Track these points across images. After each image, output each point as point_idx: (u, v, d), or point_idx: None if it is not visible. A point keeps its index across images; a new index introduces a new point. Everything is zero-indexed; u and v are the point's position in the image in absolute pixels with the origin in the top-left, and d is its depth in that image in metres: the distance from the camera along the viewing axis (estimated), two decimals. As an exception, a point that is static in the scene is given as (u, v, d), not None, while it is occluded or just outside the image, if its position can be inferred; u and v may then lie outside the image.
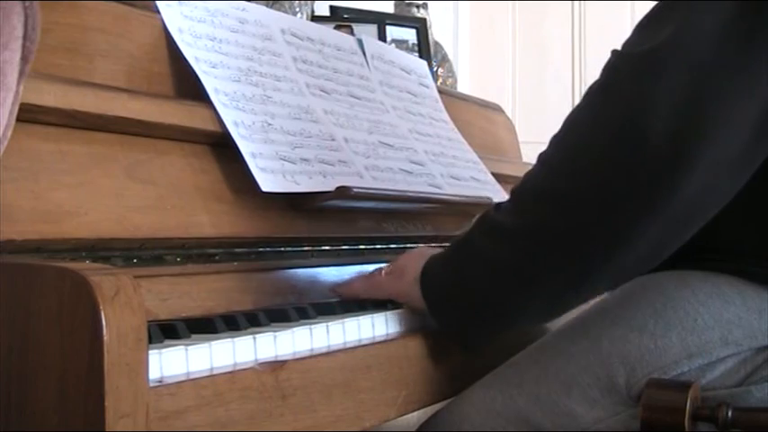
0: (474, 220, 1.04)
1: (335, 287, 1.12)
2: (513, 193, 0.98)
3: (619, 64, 0.90)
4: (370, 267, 1.23)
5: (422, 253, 1.07)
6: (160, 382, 0.72)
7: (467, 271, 0.99)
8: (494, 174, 1.60)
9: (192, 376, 0.75)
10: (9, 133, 0.69)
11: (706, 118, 0.83)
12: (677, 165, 0.84)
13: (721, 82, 0.84)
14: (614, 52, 0.91)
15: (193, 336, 0.85)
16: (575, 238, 0.90)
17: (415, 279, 1.03)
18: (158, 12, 1.09)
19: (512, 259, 0.94)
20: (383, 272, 1.09)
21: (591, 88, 0.92)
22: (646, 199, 0.86)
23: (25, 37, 0.67)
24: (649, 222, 0.87)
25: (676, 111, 0.83)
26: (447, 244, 1.21)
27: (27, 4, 0.67)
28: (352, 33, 1.83)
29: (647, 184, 0.85)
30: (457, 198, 1.42)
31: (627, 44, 0.91)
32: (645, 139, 0.84)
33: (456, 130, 1.62)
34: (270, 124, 1.14)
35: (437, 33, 2.62)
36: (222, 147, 1.07)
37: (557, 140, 0.94)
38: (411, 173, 1.37)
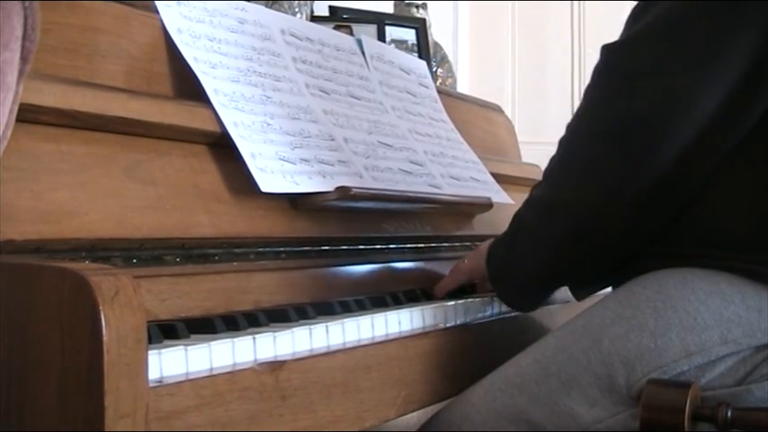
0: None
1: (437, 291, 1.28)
2: (544, 172, 1.13)
3: (600, 57, 1.04)
4: (369, 267, 1.24)
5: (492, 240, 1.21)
6: (160, 382, 0.72)
7: (513, 239, 1.14)
8: (494, 174, 1.60)
9: (191, 376, 0.75)
10: (9, 133, 0.69)
11: (653, 112, 0.96)
12: (628, 155, 0.98)
13: (670, 77, 0.96)
14: (602, 48, 1.04)
15: (193, 336, 0.85)
16: (570, 210, 1.05)
17: (484, 256, 1.19)
18: (158, 12, 1.09)
19: (539, 224, 1.09)
20: (464, 259, 1.28)
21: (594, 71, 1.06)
22: (605, 185, 1.00)
23: (25, 37, 0.67)
24: (608, 207, 1.01)
25: (632, 101, 0.98)
26: (446, 244, 1.24)
27: (27, 4, 0.67)
28: (351, 33, 1.83)
29: (608, 171, 1.00)
30: (457, 198, 1.42)
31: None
32: (602, 128, 1.01)
33: (456, 130, 1.62)
34: (269, 124, 1.14)
35: (437, 33, 2.62)
36: (222, 147, 1.07)
37: (572, 123, 1.09)
38: (411, 173, 1.37)
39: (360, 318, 1.00)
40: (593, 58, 1.03)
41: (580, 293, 1.16)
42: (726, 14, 0.94)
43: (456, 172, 1.49)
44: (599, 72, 1.03)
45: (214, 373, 0.77)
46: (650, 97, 0.97)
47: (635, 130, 0.97)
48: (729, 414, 0.90)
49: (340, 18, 2.17)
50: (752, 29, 0.94)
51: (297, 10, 2.07)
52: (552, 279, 1.15)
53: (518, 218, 1.14)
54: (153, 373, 0.71)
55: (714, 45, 0.95)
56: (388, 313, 1.05)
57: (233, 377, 0.78)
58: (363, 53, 1.47)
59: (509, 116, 2.07)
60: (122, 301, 0.66)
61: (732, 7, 0.94)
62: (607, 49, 1.02)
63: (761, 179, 0.97)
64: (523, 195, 1.16)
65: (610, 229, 1.03)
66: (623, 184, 0.99)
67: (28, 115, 0.83)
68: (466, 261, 1.27)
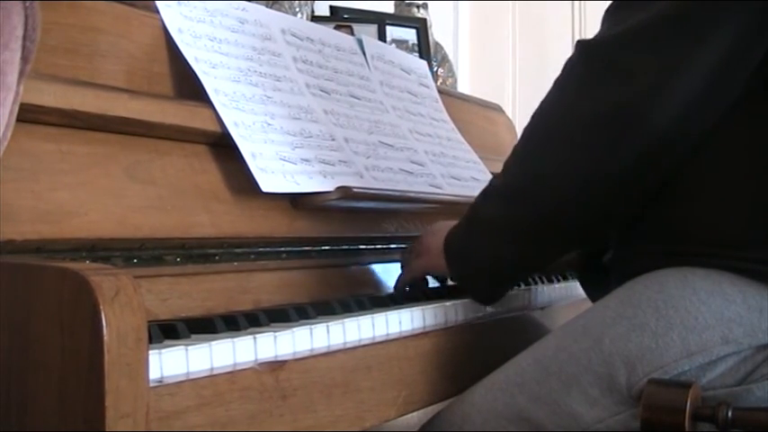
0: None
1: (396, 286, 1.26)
2: (504, 162, 1.12)
3: (574, 50, 1.04)
4: (369, 267, 1.24)
5: (439, 228, 1.19)
6: (160, 382, 0.72)
7: (471, 229, 1.13)
8: (494, 174, 1.59)
9: (191, 376, 0.75)
10: (9, 133, 0.69)
11: (632, 103, 0.97)
12: (606, 144, 0.98)
13: (645, 73, 0.96)
14: (576, 43, 1.05)
15: (193, 336, 0.85)
16: (542, 199, 1.05)
17: (440, 252, 1.16)
18: (158, 12, 1.09)
19: (500, 214, 1.09)
20: (412, 254, 1.24)
21: (558, 75, 1.07)
22: (584, 171, 1.01)
23: (25, 37, 0.67)
24: (587, 191, 1.01)
25: (604, 94, 0.99)
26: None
27: (27, 4, 0.67)
28: (352, 33, 1.83)
29: (586, 159, 1.00)
30: (457, 198, 1.42)
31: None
32: (580, 118, 1.01)
33: (456, 130, 1.62)
34: (270, 124, 1.14)
35: (437, 33, 2.62)
36: (222, 147, 1.07)
37: (532, 116, 1.10)
38: (411, 173, 1.37)
39: (360, 318, 1.00)
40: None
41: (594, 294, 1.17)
42: (706, 12, 0.95)
43: (457, 172, 1.49)
44: (578, 64, 1.03)
45: (214, 372, 0.77)
46: (631, 87, 0.97)
47: (615, 117, 0.98)
48: (730, 414, 0.90)
49: (341, 18, 2.17)
50: (729, 23, 0.95)
51: (297, 10, 2.07)
52: (518, 270, 1.15)
53: (476, 208, 1.13)
54: (153, 373, 0.71)
55: (695, 40, 0.95)
56: (388, 313, 1.05)
57: (233, 377, 0.78)
58: (364, 53, 1.47)
59: (509, 116, 2.07)
60: (123, 301, 0.66)
61: (712, 6, 0.95)
62: (587, 45, 1.03)
63: (762, 179, 0.97)
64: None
65: (582, 217, 1.04)
66: (600, 171, 1.00)
67: (28, 115, 0.83)
68: (418, 260, 1.23)
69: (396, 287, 1.27)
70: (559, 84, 1.06)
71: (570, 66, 1.05)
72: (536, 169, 1.06)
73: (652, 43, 0.97)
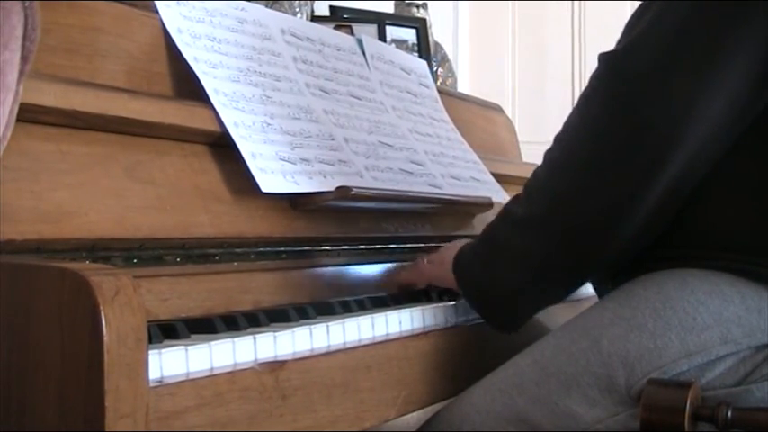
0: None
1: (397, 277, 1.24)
2: (525, 186, 1.08)
3: (599, 65, 1.01)
4: (369, 267, 1.23)
5: (460, 244, 1.17)
6: (160, 382, 0.72)
7: (489, 259, 1.10)
8: (494, 174, 1.60)
9: (191, 376, 0.75)
10: (9, 133, 0.69)
11: (666, 113, 0.94)
12: (640, 164, 0.95)
13: (677, 80, 0.94)
14: (599, 56, 1.01)
15: (193, 336, 0.85)
16: (571, 226, 1.01)
17: (451, 267, 1.13)
18: (158, 12, 1.09)
19: (524, 246, 1.05)
20: (425, 260, 1.22)
21: (583, 91, 1.03)
22: (616, 195, 0.98)
23: (25, 37, 0.67)
24: (619, 216, 0.98)
25: (640, 107, 0.95)
26: (447, 244, 1.22)
27: (27, 4, 0.67)
28: (351, 33, 1.83)
29: (618, 183, 0.97)
30: (457, 198, 1.42)
31: (617, 44, 1.01)
32: (610, 138, 0.97)
33: (456, 130, 1.62)
34: (269, 124, 1.14)
35: (437, 33, 2.62)
36: (222, 147, 1.07)
37: (556, 137, 1.05)
38: (411, 173, 1.37)
39: (360, 318, 1.00)
40: (593, 58, 1.02)
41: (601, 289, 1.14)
42: (730, 14, 0.93)
43: (456, 172, 1.49)
44: (600, 80, 1.00)
45: (214, 372, 0.77)
46: (657, 104, 0.94)
47: (645, 139, 0.95)
48: (729, 414, 0.90)
49: (340, 18, 2.17)
50: (756, 27, 0.93)
51: (297, 10, 2.07)
52: (539, 299, 1.10)
53: (496, 236, 1.09)
54: (153, 373, 0.71)
55: (718, 44, 0.93)
56: (388, 313, 1.05)
57: (233, 377, 0.78)
58: (364, 53, 1.47)
59: (509, 116, 2.07)
60: (122, 301, 0.66)
61: (736, 6, 0.93)
62: (607, 57, 0.99)
63: (760, 180, 0.97)
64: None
65: (609, 246, 1.01)
66: (633, 196, 0.97)
67: (28, 115, 0.83)
68: (430, 267, 1.21)
69: (395, 281, 1.25)
70: (584, 100, 1.02)
71: (594, 79, 1.01)
72: (562, 196, 1.01)
73: (677, 54, 0.94)
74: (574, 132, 1.02)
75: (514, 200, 1.09)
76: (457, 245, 1.17)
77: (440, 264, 1.18)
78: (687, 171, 0.97)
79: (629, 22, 1.01)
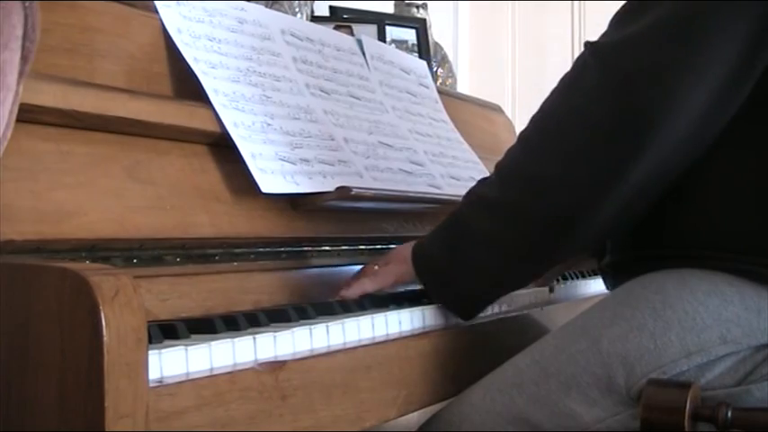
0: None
1: (342, 292, 1.13)
2: (496, 168, 1.07)
3: (586, 54, 1.00)
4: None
5: (407, 246, 1.13)
6: (160, 382, 0.72)
7: (456, 243, 1.06)
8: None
9: (191, 376, 0.75)
10: (9, 133, 0.69)
11: (652, 108, 0.93)
12: (626, 150, 0.95)
13: (664, 77, 0.93)
14: (586, 44, 1.00)
15: (193, 336, 0.85)
16: (550, 211, 1.00)
17: (405, 258, 1.11)
18: (158, 12, 1.09)
19: (495, 229, 1.04)
20: (375, 266, 1.14)
21: (565, 75, 1.02)
22: (603, 179, 0.96)
23: (25, 37, 0.67)
24: (603, 201, 0.97)
25: (625, 100, 0.94)
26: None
27: (27, 4, 0.67)
28: (351, 33, 1.83)
29: (603, 168, 0.96)
30: (457, 198, 1.41)
31: (600, 36, 1.01)
32: (599, 125, 0.96)
33: (456, 130, 1.62)
34: (269, 124, 1.14)
35: (437, 33, 2.62)
36: (222, 147, 1.07)
37: (534, 121, 1.04)
38: (411, 173, 1.37)
39: (360, 318, 1.00)
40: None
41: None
42: (718, 11, 0.93)
43: (456, 172, 1.49)
44: (589, 70, 0.98)
45: (214, 373, 0.77)
46: (648, 94, 0.94)
47: (634, 125, 0.95)
48: (729, 414, 0.90)
49: (340, 18, 2.17)
50: (742, 22, 0.93)
51: (297, 10, 2.07)
52: (505, 283, 1.09)
53: (463, 219, 1.07)
54: (153, 373, 0.71)
55: (708, 40, 0.93)
56: (388, 313, 1.05)
57: (233, 377, 0.78)
58: (363, 53, 1.47)
59: (509, 116, 2.07)
60: (122, 301, 0.66)
61: (724, 6, 0.93)
62: (599, 49, 0.99)
63: (760, 180, 0.97)
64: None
65: (589, 231, 1.00)
66: (617, 181, 0.96)
67: (28, 115, 0.83)
68: (390, 265, 1.14)
69: (354, 289, 1.13)
70: (568, 87, 1.01)
71: (582, 69, 1.00)
72: (542, 181, 1.00)
73: (667, 47, 0.94)
74: (555, 118, 1.01)
75: (481, 183, 1.09)
76: (402, 246, 1.14)
77: (395, 262, 1.13)
78: (677, 156, 0.96)
79: (619, 18, 1.00)
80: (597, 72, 0.97)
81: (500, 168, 1.06)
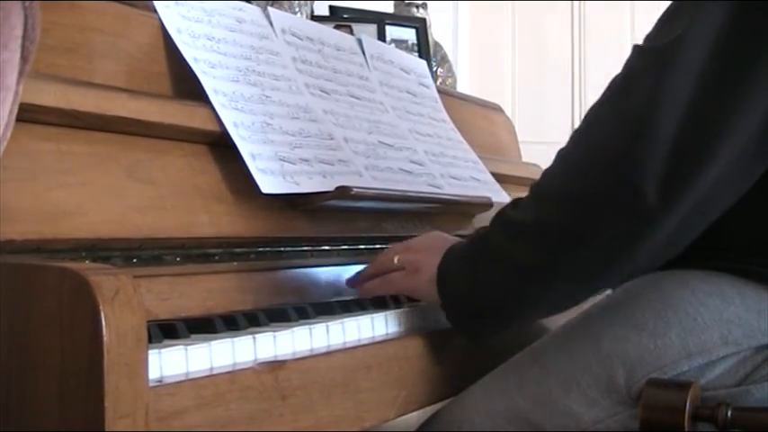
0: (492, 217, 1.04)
1: (349, 280, 1.11)
2: (532, 190, 0.98)
3: (634, 59, 0.92)
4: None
5: (435, 244, 1.06)
6: (160, 382, 0.72)
7: (484, 270, 0.99)
8: (494, 174, 1.60)
9: (191, 376, 0.75)
10: (9, 133, 0.69)
11: (707, 121, 0.86)
12: (683, 165, 0.87)
13: (720, 85, 0.87)
14: (634, 47, 0.93)
15: (193, 336, 0.85)
16: (594, 237, 0.91)
17: (431, 279, 1.03)
18: (157, 12, 1.09)
19: (532, 258, 0.95)
20: (396, 259, 1.08)
21: (612, 81, 0.93)
22: (659, 198, 0.87)
23: (25, 37, 0.67)
24: (662, 222, 0.88)
25: (682, 110, 0.86)
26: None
27: (27, 4, 0.67)
28: (351, 33, 1.83)
29: (660, 182, 0.86)
30: (457, 198, 1.42)
31: (646, 38, 0.93)
32: (655, 137, 0.86)
33: (456, 130, 1.62)
34: (269, 124, 1.14)
35: (437, 33, 2.62)
36: (222, 147, 1.07)
37: (577, 136, 0.95)
38: (411, 173, 1.37)
39: (360, 318, 1.00)
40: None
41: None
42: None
43: (456, 172, 1.49)
44: (644, 70, 0.90)
45: (214, 372, 0.77)
46: (711, 100, 0.87)
47: (681, 154, 0.86)
48: (729, 414, 0.90)
49: (340, 18, 2.17)
50: None
51: (297, 10, 2.07)
52: (526, 313, 1.02)
53: (494, 244, 0.99)
54: (153, 373, 0.71)
55: (754, 61, 0.87)
56: (388, 313, 1.05)
57: (233, 377, 0.78)
58: (363, 53, 1.47)
59: (509, 116, 2.07)
60: (122, 300, 0.66)
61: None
62: (652, 49, 0.90)
63: (760, 180, 0.97)
64: (523, 195, 1.03)
65: (646, 252, 0.92)
66: (678, 194, 0.88)
67: (28, 115, 0.83)
68: (407, 280, 1.07)
69: (367, 289, 1.11)
70: (618, 98, 0.91)
71: (638, 76, 0.91)
72: (587, 202, 0.91)
73: (718, 61, 0.86)
74: (603, 128, 0.92)
75: (513, 206, 0.99)
76: (428, 243, 1.07)
77: (414, 272, 1.05)
78: (712, 191, 0.89)
79: (663, 14, 0.93)
80: (655, 74, 0.88)
81: (537, 189, 0.97)
